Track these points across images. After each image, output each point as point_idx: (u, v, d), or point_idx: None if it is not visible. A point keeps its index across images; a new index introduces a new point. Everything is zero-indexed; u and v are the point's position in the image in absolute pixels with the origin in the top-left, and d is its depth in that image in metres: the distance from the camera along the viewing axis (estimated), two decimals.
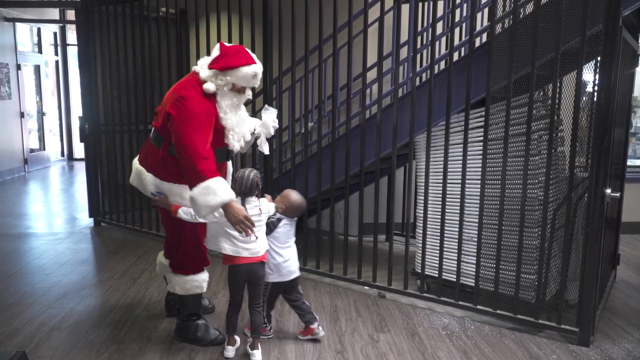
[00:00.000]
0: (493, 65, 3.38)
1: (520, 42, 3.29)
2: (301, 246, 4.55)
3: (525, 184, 3.36)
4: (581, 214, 3.46)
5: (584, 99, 3.51)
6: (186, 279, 3.20)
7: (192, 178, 2.80)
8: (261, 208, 3.00)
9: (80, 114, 6.05)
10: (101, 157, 6.01)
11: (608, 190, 3.15)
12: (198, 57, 4.89)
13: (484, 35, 4.33)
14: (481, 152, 3.52)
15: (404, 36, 4.82)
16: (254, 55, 3.04)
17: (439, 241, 3.77)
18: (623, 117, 4.00)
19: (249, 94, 3.14)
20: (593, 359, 3.12)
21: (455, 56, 3.93)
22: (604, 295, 3.90)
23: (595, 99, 3.19)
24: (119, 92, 5.76)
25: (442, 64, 4.70)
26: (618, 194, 3.51)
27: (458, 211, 3.67)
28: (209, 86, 2.91)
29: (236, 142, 3.08)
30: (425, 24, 4.94)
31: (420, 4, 5.08)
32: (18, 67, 9.69)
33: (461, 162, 3.60)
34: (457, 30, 4.87)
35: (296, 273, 3.25)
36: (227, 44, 3.05)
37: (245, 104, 3.26)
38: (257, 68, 3.00)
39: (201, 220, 2.93)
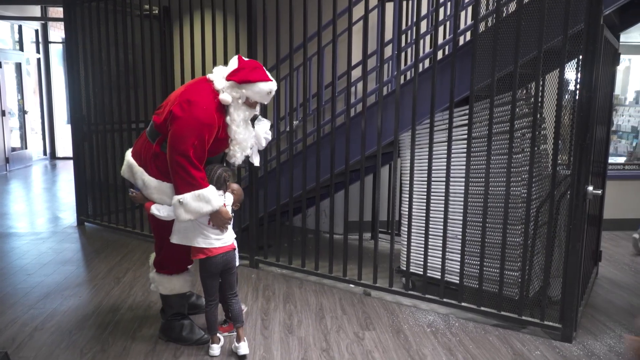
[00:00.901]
0: (477, 63, 3.40)
1: (503, 40, 3.32)
2: (287, 245, 4.56)
3: (509, 181, 3.38)
4: (564, 211, 3.50)
5: (566, 97, 3.54)
6: (170, 278, 3.19)
7: (184, 183, 2.84)
8: (226, 202, 3.02)
9: (74, 113, 5.96)
10: (84, 156, 5.94)
11: (590, 188, 3.19)
12: (182, 55, 4.88)
13: (468, 34, 4.35)
14: (465, 150, 3.54)
15: (389, 34, 4.84)
16: (269, 74, 3.09)
17: (423, 239, 3.79)
18: (604, 115, 4.05)
19: (257, 110, 3.17)
20: (576, 355, 3.16)
21: (440, 54, 3.95)
22: (586, 291, 3.95)
23: (577, 97, 3.22)
24: (102, 90, 5.70)
25: (427, 62, 4.72)
26: (600, 191, 3.54)
27: (442, 209, 3.69)
28: (226, 97, 2.94)
29: (239, 155, 3.12)
30: (409, 23, 4.96)
31: (404, 3, 5.09)
32: None
33: (445, 160, 3.62)
34: (441, 29, 4.89)
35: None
36: (245, 58, 3.08)
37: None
38: (273, 86, 3.05)
39: (172, 217, 2.96)
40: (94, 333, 3.35)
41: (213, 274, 3.03)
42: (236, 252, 3.26)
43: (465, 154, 3.55)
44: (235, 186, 3.17)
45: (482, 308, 3.57)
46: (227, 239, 3.05)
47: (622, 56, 4.42)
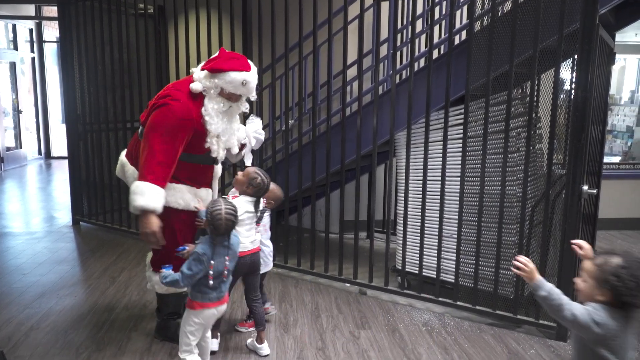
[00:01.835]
0: (472, 62, 3.40)
1: (499, 39, 3.32)
2: (282, 244, 4.56)
3: (504, 180, 3.39)
4: (559, 210, 3.51)
5: (562, 96, 3.55)
6: None
7: (140, 173, 2.81)
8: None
9: (69, 113, 5.94)
10: (79, 156, 5.92)
11: (585, 187, 3.20)
12: (177, 55, 4.86)
13: (463, 33, 4.35)
14: (461, 149, 3.55)
15: (384, 34, 4.84)
16: (252, 64, 2.99)
17: (419, 238, 3.80)
18: (600, 114, 4.06)
19: (244, 107, 3.09)
20: (570, 353, 3.16)
21: (435, 54, 3.95)
22: None
23: (572, 97, 3.23)
24: (97, 89, 5.68)
25: (422, 62, 4.72)
26: (595, 191, 3.55)
27: (438, 208, 3.69)
28: (196, 85, 2.88)
29: (220, 149, 3.02)
30: (404, 22, 4.96)
31: (400, 2, 5.09)
32: None
33: (441, 159, 3.62)
34: (436, 28, 4.90)
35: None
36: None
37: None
38: (247, 76, 2.91)
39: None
40: (89, 332, 3.34)
41: (238, 275, 2.99)
42: (270, 258, 3.37)
43: (460, 153, 3.56)
44: (272, 186, 3.20)
45: (478, 307, 3.58)
46: (256, 239, 3.04)
47: (617, 56, 4.43)
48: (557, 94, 3.20)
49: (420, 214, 3.77)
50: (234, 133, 3.09)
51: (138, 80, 5.27)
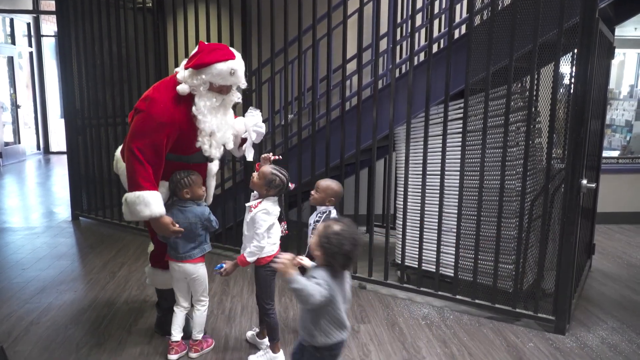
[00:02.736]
0: (472, 57, 3.40)
1: (498, 33, 3.32)
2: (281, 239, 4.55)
3: (503, 175, 3.39)
4: (558, 204, 3.52)
5: (561, 90, 3.55)
6: (164, 272, 3.16)
7: (130, 183, 2.77)
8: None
9: (68, 107, 5.93)
10: (78, 151, 5.92)
11: (584, 181, 3.20)
12: (176, 50, 4.85)
13: (463, 27, 4.35)
14: (460, 143, 3.55)
15: (384, 28, 4.83)
16: (234, 51, 2.89)
17: (418, 232, 3.80)
18: (599, 109, 4.07)
19: (237, 97, 3.00)
20: (569, 347, 3.18)
21: (435, 48, 3.95)
22: (579, 284, 3.98)
23: (572, 91, 3.23)
24: (96, 84, 5.66)
25: (422, 56, 4.71)
26: (594, 185, 3.56)
27: (437, 202, 3.70)
28: (182, 87, 2.78)
29: (213, 149, 2.93)
30: (404, 16, 4.95)
31: None
32: None
33: (440, 153, 3.62)
34: (436, 22, 4.89)
35: None
36: (206, 42, 2.93)
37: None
38: (234, 64, 2.81)
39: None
40: (89, 327, 3.35)
41: (274, 277, 2.91)
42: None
43: (460, 148, 3.56)
44: (329, 182, 3.05)
45: (477, 301, 3.59)
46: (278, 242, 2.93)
47: (616, 50, 4.43)
48: (557, 88, 3.20)
49: (419, 208, 3.77)
50: (229, 127, 3.01)
51: (137, 74, 5.26)
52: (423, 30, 4.97)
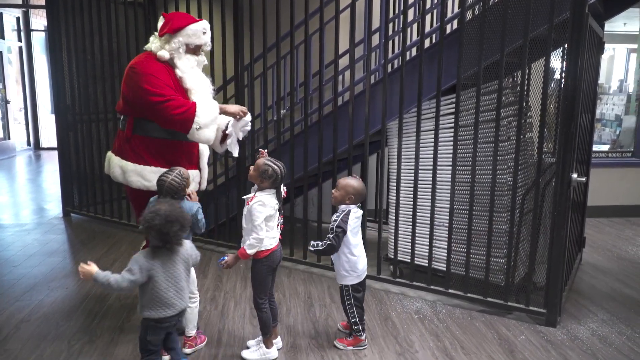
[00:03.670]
0: (464, 52, 3.41)
1: (490, 29, 3.33)
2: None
3: (495, 169, 3.41)
4: (549, 198, 3.54)
5: (552, 85, 3.57)
6: None
7: (182, 123, 2.96)
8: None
9: (58, 103, 5.88)
10: (69, 147, 5.88)
11: (574, 175, 3.23)
12: None
13: (455, 22, 4.35)
14: (452, 138, 3.56)
15: (376, 23, 4.83)
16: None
17: (411, 227, 3.82)
18: (589, 103, 4.09)
19: (204, 60, 3.26)
20: (560, 339, 3.21)
21: (427, 43, 3.95)
22: (570, 277, 4.01)
23: (562, 86, 3.25)
24: (86, 79, 5.63)
25: (414, 51, 4.72)
26: (584, 179, 3.59)
27: (430, 197, 3.71)
28: (163, 53, 3.04)
29: (201, 103, 3.11)
30: (396, 11, 4.95)
31: None
32: None
33: (432, 148, 3.63)
34: (428, 17, 4.89)
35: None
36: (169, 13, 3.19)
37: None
38: (204, 24, 3.16)
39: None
40: (81, 324, 3.34)
41: (271, 269, 2.88)
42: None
43: (452, 143, 3.57)
44: (349, 180, 2.97)
45: (469, 294, 3.61)
46: (277, 235, 2.89)
47: (606, 45, 4.45)
48: (548, 83, 3.21)
49: (412, 202, 3.79)
50: (209, 86, 3.24)
51: None
52: (415, 26, 4.98)
